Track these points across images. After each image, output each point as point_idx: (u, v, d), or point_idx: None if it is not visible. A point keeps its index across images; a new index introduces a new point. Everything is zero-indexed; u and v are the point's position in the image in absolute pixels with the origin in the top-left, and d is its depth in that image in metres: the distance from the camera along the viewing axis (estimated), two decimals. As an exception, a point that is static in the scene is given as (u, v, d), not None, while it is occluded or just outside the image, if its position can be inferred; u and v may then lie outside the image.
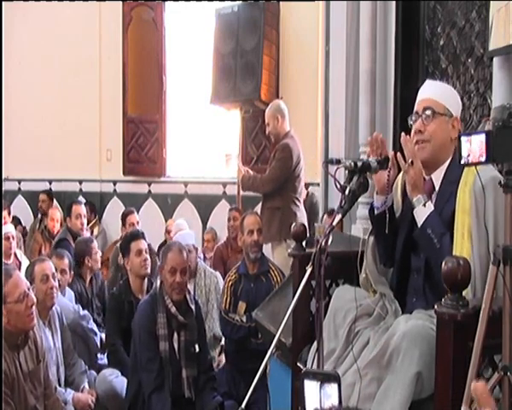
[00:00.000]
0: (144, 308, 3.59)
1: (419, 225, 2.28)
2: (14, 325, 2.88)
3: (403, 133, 2.34)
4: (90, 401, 3.66)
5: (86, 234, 5.69)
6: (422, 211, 2.27)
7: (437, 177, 2.37)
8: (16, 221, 7.36)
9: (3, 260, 5.09)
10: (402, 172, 2.42)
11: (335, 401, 1.76)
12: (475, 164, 1.80)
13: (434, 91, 2.39)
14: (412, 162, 2.27)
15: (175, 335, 3.54)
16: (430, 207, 2.28)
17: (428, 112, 2.33)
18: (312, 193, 5.79)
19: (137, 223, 6.05)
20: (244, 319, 3.95)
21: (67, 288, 4.23)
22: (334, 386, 1.76)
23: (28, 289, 2.94)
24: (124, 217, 6.18)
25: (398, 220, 2.44)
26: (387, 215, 2.37)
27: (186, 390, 3.52)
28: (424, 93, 2.41)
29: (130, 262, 4.16)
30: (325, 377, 1.78)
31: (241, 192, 6.26)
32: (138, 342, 3.53)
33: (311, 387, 1.80)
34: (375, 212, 2.42)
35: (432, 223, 2.25)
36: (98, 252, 4.70)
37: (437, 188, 2.36)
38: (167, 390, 3.44)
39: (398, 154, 2.29)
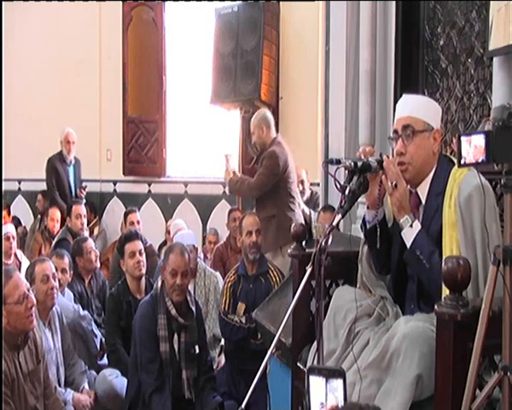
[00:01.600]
0: (145, 309, 3.59)
1: (408, 247, 2.27)
2: (14, 325, 2.88)
3: (385, 156, 2.30)
4: (89, 401, 3.66)
5: (85, 234, 5.69)
6: (410, 232, 2.25)
7: (422, 190, 2.35)
8: (16, 221, 7.36)
9: (4, 260, 5.10)
10: None
11: (341, 396, 1.76)
12: (475, 164, 1.80)
13: (412, 108, 2.34)
14: (396, 185, 2.24)
15: (175, 336, 3.54)
16: (417, 226, 2.26)
17: (408, 131, 2.30)
18: (316, 192, 5.79)
19: (138, 222, 6.06)
20: (243, 319, 3.94)
21: (66, 288, 4.24)
22: (340, 381, 1.77)
23: (28, 291, 2.94)
24: (125, 215, 6.22)
25: (392, 230, 2.43)
26: (378, 229, 2.35)
27: (186, 391, 3.53)
28: (402, 111, 2.37)
29: (125, 264, 4.19)
30: (330, 373, 1.79)
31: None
32: (139, 342, 3.53)
33: (316, 383, 1.80)
34: (367, 226, 2.41)
35: (420, 243, 2.23)
36: (93, 252, 4.68)
37: (423, 201, 2.34)
38: (168, 391, 3.45)
39: (383, 177, 2.26)
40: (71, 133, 6.90)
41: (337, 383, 1.78)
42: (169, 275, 3.52)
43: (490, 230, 2.08)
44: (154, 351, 3.48)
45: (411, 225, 2.25)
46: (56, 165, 6.88)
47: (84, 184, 7.08)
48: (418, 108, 2.35)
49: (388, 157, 2.30)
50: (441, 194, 2.25)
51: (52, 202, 6.76)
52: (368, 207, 2.39)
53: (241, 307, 4.00)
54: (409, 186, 2.33)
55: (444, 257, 2.15)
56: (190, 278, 4.14)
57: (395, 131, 2.35)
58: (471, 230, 2.15)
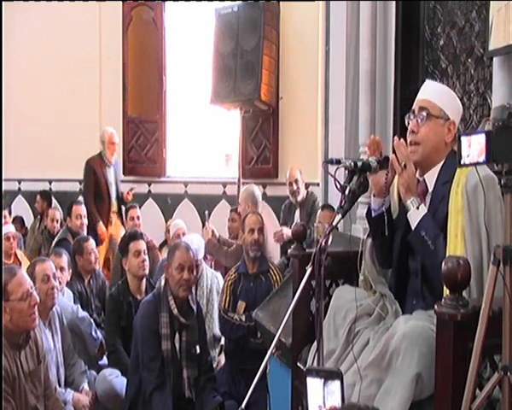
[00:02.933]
0: (147, 307, 3.61)
1: (413, 228, 2.28)
2: (17, 323, 2.89)
3: (396, 137, 2.34)
4: (89, 401, 3.66)
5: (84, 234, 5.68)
6: (416, 214, 2.27)
7: (430, 178, 2.37)
8: (19, 221, 7.35)
9: (4, 259, 5.11)
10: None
11: (338, 398, 1.76)
12: (475, 164, 1.80)
13: (433, 93, 2.39)
14: (405, 166, 2.26)
15: (176, 335, 3.56)
16: (423, 209, 2.28)
17: (423, 113, 2.33)
18: (312, 192, 5.79)
19: (138, 217, 6.09)
20: (243, 318, 3.95)
21: (66, 288, 4.23)
22: (337, 383, 1.76)
23: (31, 288, 2.95)
24: (126, 211, 6.22)
25: (395, 222, 2.44)
26: (385, 217, 2.37)
27: (186, 390, 3.54)
28: (423, 93, 2.41)
29: (129, 263, 4.18)
30: (328, 375, 1.78)
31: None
32: (140, 340, 3.54)
33: (314, 384, 1.79)
34: (373, 214, 2.42)
35: (425, 225, 2.25)
36: (93, 253, 4.67)
37: (430, 189, 2.36)
38: (169, 389, 3.46)
39: (393, 156, 2.29)
40: (115, 134, 6.56)
41: (335, 385, 1.77)
42: (175, 271, 3.54)
43: (495, 221, 2.11)
44: (155, 349, 3.49)
45: (417, 207, 2.27)
46: (95, 167, 6.46)
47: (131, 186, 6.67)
48: (438, 94, 2.38)
49: (400, 138, 2.33)
50: (448, 183, 2.27)
51: (87, 204, 6.29)
52: (374, 196, 2.40)
53: (242, 305, 4.01)
54: (417, 174, 2.34)
55: (448, 242, 2.18)
56: (193, 282, 4.12)
57: (412, 112, 2.38)
58: (476, 218, 2.16)
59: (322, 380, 1.78)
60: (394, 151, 2.34)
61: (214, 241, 5.18)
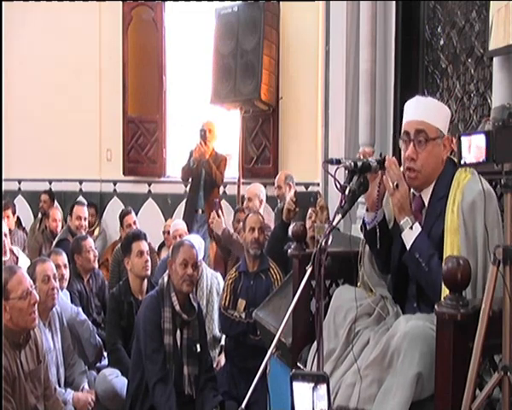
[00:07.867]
0: (150, 302, 3.65)
1: (407, 249, 2.26)
2: (16, 322, 2.89)
3: (387, 156, 2.28)
4: (90, 399, 3.66)
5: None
6: (410, 234, 2.24)
7: (426, 193, 2.34)
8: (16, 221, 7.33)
9: (-1, 256, 5.09)
10: None
11: (325, 402, 1.73)
12: (475, 164, 1.80)
13: (427, 112, 2.29)
14: (397, 185, 2.23)
15: (178, 332, 3.60)
16: (417, 229, 2.24)
17: (421, 138, 2.26)
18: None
19: (134, 223, 6.08)
20: (243, 315, 3.96)
21: (65, 290, 4.22)
22: (324, 387, 1.73)
23: (31, 287, 2.96)
24: (121, 218, 6.20)
25: (393, 231, 2.41)
26: (378, 231, 2.34)
27: (187, 387, 3.56)
28: (415, 113, 2.31)
29: (131, 262, 4.18)
30: (315, 379, 1.75)
31: (241, 192, 6.29)
32: (143, 334, 3.57)
33: (300, 389, 1.76)
34: (367, 227, 2.40)
35: (420, 246, 2.22)
36: (92, 251, 4.65)
37: (426, 204, 2.34)
38: (171, 383, 3.48)
39: (384, 177, 2.26)
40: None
41: (324, 390, 1.73)
42: (179, 266, 3.60)
43: (491, 234, 2.08)
44: (158, 342, 3.53)
45: (411, 227, 2.24)
46: None
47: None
48: (433, 113, 2.31)
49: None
50: (444, 198, 2.24)
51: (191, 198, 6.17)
52: (367, 210, 2.39)
53: (242, 303, 4.02)
54: (413, 190, 2.32)
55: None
56: (196, 279, 4.11)
57: (406, 133, 2.30)
58: (473, 236, 2.14)
59: (312, 385, 1.75)
60: (382, 172, 2.28)
61: (229, 231, 5.13)
